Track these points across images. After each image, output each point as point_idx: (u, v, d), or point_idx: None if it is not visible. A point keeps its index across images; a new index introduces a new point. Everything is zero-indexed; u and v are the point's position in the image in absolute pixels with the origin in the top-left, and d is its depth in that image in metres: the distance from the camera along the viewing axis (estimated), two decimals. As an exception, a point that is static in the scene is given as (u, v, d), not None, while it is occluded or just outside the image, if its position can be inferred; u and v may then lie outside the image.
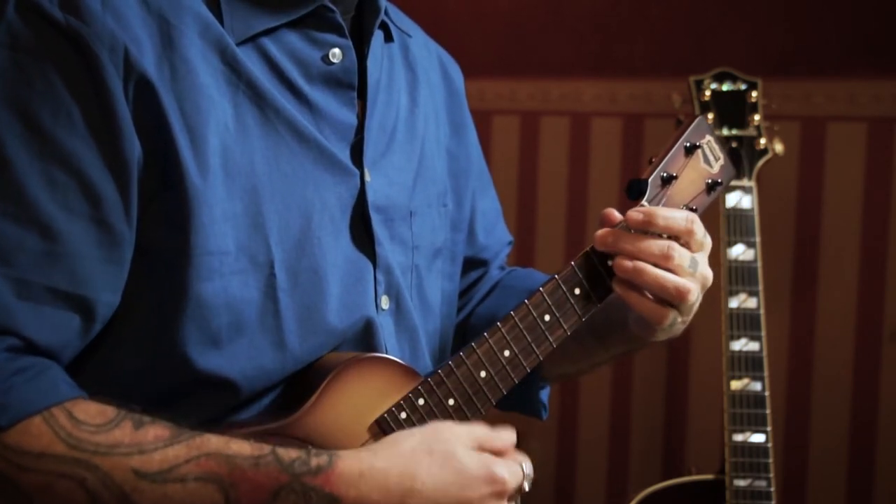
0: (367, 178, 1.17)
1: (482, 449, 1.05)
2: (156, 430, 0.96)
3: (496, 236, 1.45)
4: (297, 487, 0.96)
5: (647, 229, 1.16)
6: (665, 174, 1.22)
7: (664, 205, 1.22)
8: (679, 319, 1.18)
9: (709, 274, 1.19)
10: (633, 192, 1.21)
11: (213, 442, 0.97)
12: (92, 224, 1.00)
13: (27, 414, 0.94)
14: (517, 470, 1.05)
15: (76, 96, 1.00)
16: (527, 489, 1.07)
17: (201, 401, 1.05)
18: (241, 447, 0.97)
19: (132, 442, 0.95)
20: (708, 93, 2.21)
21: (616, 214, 1.19)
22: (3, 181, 0.98)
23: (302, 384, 1.11)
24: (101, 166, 1.01)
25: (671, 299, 1.15)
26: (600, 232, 1.18)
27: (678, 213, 1.17)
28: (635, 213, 1.17)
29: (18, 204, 0.98)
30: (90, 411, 0.96)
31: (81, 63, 1.00)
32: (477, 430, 1.06)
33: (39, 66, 1.00)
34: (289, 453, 0.98)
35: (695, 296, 1.17)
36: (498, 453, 1.06)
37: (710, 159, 1.26)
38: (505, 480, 1.03)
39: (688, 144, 1.24)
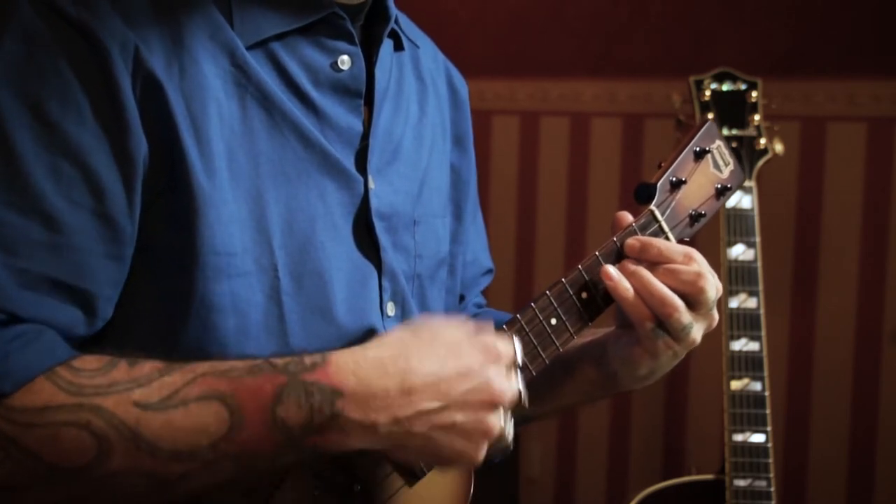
0: (371, 185, 1.16)
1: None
2: (151, 364, 0.96)
3: (472, 271, 1.43)
4: (296, 385, 0.96)
5: (642, 258, 1.16)
6: (674, 178, 1.22)
7: (673, 209, 1.22)
8: (662, 341, 1.16)
9: (715, 315, 1.19)
10: (642, 196, 1.21)
11: (207, 364, 0.97)
12: (95, 218, 1.00)
13: (30, 377, 0.94)
14: (507, 342, 1.04)
15: (86, 90, 1.00)
16: (520, 363, 1.05)
17: None
18: (233, 363, 0.98)
19: (130, 378, 0.95)
20: (708, 93, 2.21)
21: (628, 216, 1.19)
22: (9, 171, 0.98)
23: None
24: (108, 160, 1.00)
25: (655, 309, 1.15)
26: (630, 240, 1.18)
27: (675, 246, 1.17)
28: (633, 241, 1.17)
29: (24, 194, 0.98)
30: (87, 360, 0.97)
31: (92, 57, 1.00)
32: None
33: (50, 59, 1.00)
34: (282, 358, 0.98)
35: (685, 320, 1.15)
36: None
37: (720, 164, 1.26)
38: (497, 347, 1.02)
39: (697, 149, 1.24)
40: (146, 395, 0.95)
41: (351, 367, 0.97)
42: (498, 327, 1.14)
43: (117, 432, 0.94)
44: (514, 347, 1.05)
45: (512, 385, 1.03)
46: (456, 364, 0.99)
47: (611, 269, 1.15)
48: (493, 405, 1.01)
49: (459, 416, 0.99)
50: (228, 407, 0.95)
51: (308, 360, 0.98)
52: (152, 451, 0.94)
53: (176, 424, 0.94)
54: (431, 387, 0.98)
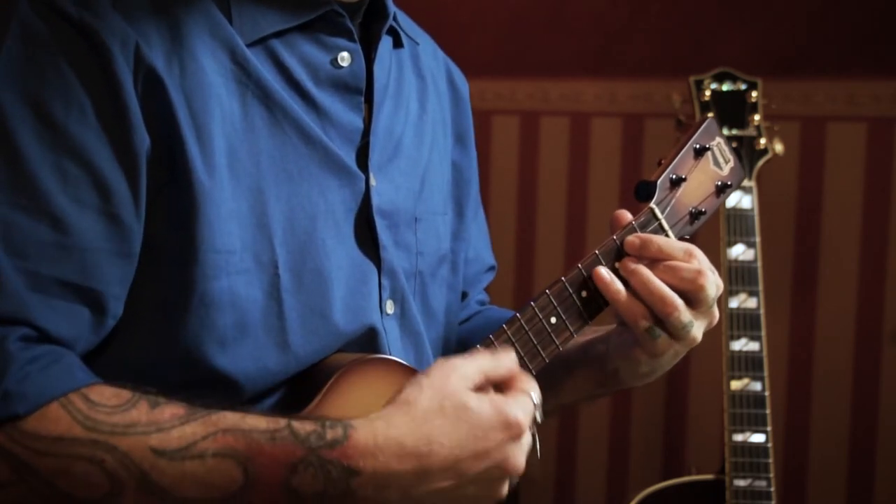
0: (373, 182, 1.16)
1: (489, 381, 1.04)
2: (172, 409, 0.96)
3: (474, 268, 1.43)
4: (314, 461, 0.96)
5: (642, 254, 1.16)
6: (674, 176, 1.22)
7: (672, 206, 1.22)
8: (661, 340, 1.16)
9: (715, 312, 1.19)
10: (642, 194, 1.21)
11: (229, 418, 0.97)
12: (102, 217, 1.01)
13: (44, 401, 0.94)
14: (527, 403, 1.04)
15: (88, 89, 1.00)
16: (539, 420, 1.06)
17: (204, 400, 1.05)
18: (256, 422, 0.97)
19: (149, 421, 0.95)
20: (708, 93, 2.21)
21: (627, 215, 1.19)
22: (16, 173, 0.98)
23: (305, 385, 1.10)
24: (112, 159, 1.01)
25: (655, 308, 1.14)
26: (630, 237, 1.18)
27: (676, 243, 1.17)
28: (633, 238, 1.17)
29: (31, 196, 0.98)
30: (106, 394, 0.96)
31: (93, 56, 1.01)
32: (481, 363, 1.04)
33: (52, 59, 1.00)
34: (304, 426, 0.97)
35: (685, 318, 1.15)
36: (505, 382, 1.05)
37: (720, 161, 1.27)
38: (519, 422, 1.01)
39: (697, 146, 1.24)
40: (164, 442, 0.94)
41: (371, 448, 0.97)
42: (498, 328, 1.14)
43: (130, 474, 0.94)
44: (533, 405, 1.04)
45: (526, 453, 1.04)
46: (475, 445, 0.99)
47: (602, 271, 1.15)
48: (506, 477, 1.02)
49: (471, 489, 1.01)
50: (244, 469, 0.95)
51: (330, 434, 0.97)
52: (163, 497, 0.94)
53: (189, 476, 0.95)
54: (449, 469, 0.99)
